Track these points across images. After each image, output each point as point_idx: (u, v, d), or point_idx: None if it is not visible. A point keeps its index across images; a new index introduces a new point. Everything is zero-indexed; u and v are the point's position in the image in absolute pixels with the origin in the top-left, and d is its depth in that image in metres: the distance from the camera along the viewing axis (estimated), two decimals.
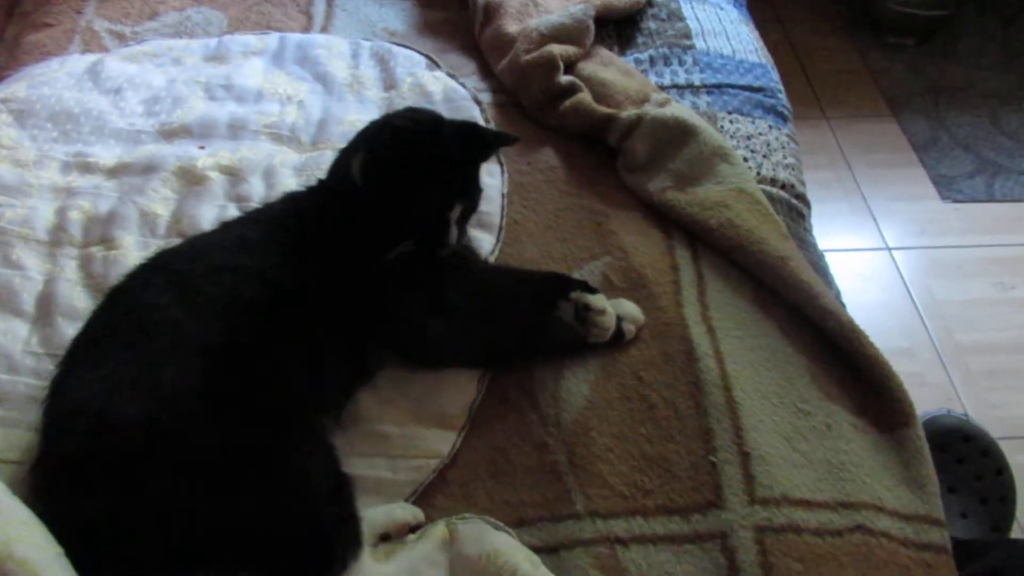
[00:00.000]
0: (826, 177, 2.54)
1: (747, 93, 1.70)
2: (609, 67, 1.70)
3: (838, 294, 1.41)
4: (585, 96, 1.59)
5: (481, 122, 1.60)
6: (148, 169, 1.48)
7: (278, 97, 1.65)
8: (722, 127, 1.61)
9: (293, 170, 1.49)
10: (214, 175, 1.48)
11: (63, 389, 1.04)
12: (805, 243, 1.48)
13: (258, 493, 0.96)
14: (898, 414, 1.22)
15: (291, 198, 1.28)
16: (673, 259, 1.38)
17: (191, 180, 1.47)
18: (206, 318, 1.06)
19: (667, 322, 1.28)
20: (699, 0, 1.92)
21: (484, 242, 1.39)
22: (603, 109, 1.56)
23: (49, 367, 1.15)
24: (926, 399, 1.64)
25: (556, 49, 1.64)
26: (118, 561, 0.93)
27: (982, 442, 1.61)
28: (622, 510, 1.11)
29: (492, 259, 1.38)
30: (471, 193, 1.24)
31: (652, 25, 1.85)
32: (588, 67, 1.68)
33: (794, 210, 1.53)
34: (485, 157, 1.29)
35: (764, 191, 1.47)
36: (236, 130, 1.58)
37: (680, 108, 1.57)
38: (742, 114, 1.66)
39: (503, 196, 1.47)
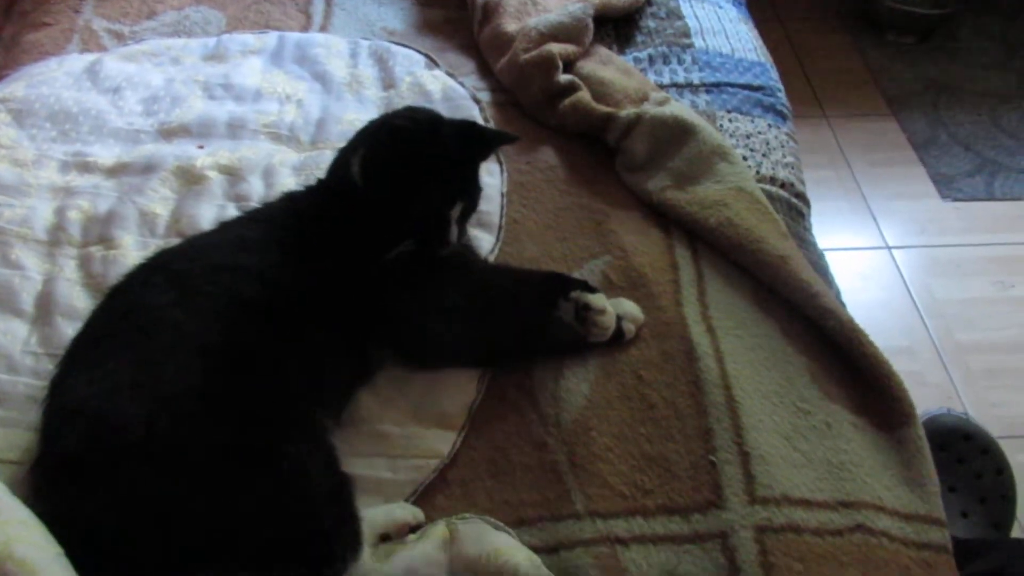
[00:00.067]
0: (826, 176, 2.54)
1: (746, 92, 1.70)
2: (608, 66, 1.70)
3: (838, 293, 1.41)
4: (584, 95, 1.59)
5: (480, 121, 1.60)
6: (147, 169, 1.48)
7: (277, 96, 1.64)
8: (721, 126, 1.61)
9: (292, 169, 1.49)
10: (213, 175, 1.47)
11: (62, 389, 1.04)
12: (805, 242, 1.48)
13: (258, 493, 0.96)
14: (898, 413, 1.22)
15: (290, 198, 1.28)
16: (673, 258, 1.38)
17: (190, 180, 1.47)
18: (205, 318, 1.06)
19: (667, 321, 1.28)
20: None
21: (484, 241, 1.39)
22: (602, 108, 1.56)
23: (48, 367, 1.15)
24: (926, 398, 1.64)
25: (555, 48, 1.64)
26: (118, 561, 0.93)
27: (982, 441, 1.61)
28: (622, 510, 1.11)
29: (492, 258, 1.38)
30: (471, 192, 1.24)
31: (651, 24, 1.85)
32: (587, 66, 1.68)
33: (794, 209, 1.53)
34: (484, 156, 1.28)
35: (763, 190, 1.47)
36: (235, 129, 1.57)
37: (679, 107, 1.56)
38: (741, 113, 1.66)
39: (502, 195, 1.47)
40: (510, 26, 1.72)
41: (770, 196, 1.48)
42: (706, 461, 1.14)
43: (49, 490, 0.99)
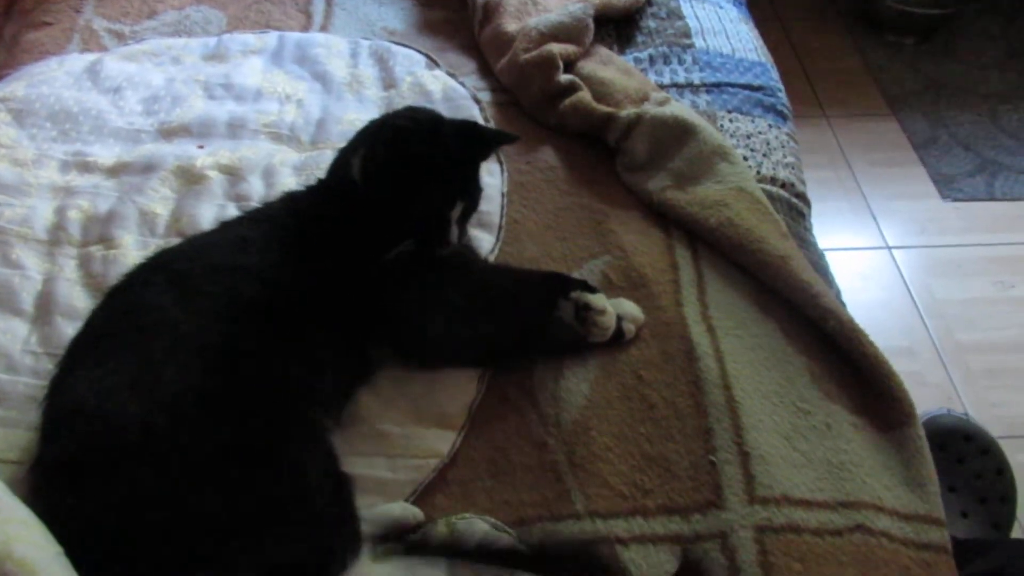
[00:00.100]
0: (826, 176, 2.54)
1: (747, 92, 1.70)
2: (609, 66, 1.70)
3: (838, 293, 1.41)
4: (584, 95, 1.59)
5: (480, 121, 1.60)
6: (147, 168, 1.48)
7: (277, 96, 1.64)
8: (722, 126, 1.61)
9: (292, 169, 1.49)
10: (213, 174, 1.47)
11: (62, 388, 1.04)
12: (805, 242, 1.48)
13: (257, 493, 0.96)
14: (898, 413, 1.22)
15: (291, 197, 1.28)
16: (673, 258, 1.38)
17: (190, 179, 1.47)
18: (205, 318, 1.06)
19: (667, 321, 1.28)
20: None
21: (484, 241, 1.39)
22: (603, 108, 1.56)
23: (48, 366, 1.15)
24: (926, 398, 1.64)
25: (555, 48, 1.64)
26: (117, 561, 0.92)
27: (982, 441, 1.61)
28: (622, 510, 1.11)
29: (492, 258, 1.38)
30: (471, 192, 1.24)
31: (651, 24, 1.85)
32: (587, 66, 1.68)
33: (794, 209, 1.53)
34: (485, 156, 1.28)
35: (764, 190, 1.47)
36: (235, 129, 1.57)
37: (680, 107, 1.56)
38: (742, 113, 1.66)
39: (503, 195, 1.47)
40: (510, 26, 1.72)
41: (770, 196, 1.48)
42: (706, 461, 1.14)
43: (49, 490, 0.99)
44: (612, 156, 1.56)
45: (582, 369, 1.23)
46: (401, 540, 1.09)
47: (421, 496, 1.14)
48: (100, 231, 1.38)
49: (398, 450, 1.16)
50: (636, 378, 1.22)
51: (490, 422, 1.20)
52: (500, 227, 1.42)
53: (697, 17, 1.86)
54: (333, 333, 1.13)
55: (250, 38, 1.77)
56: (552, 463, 1.15)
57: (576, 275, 1.33)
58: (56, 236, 1.38)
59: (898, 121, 2.72)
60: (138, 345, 1.04)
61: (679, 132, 1.50)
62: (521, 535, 1.09)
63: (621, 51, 1.80)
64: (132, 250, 1.35)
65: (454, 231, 1.19)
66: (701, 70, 1.73)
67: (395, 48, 1.76)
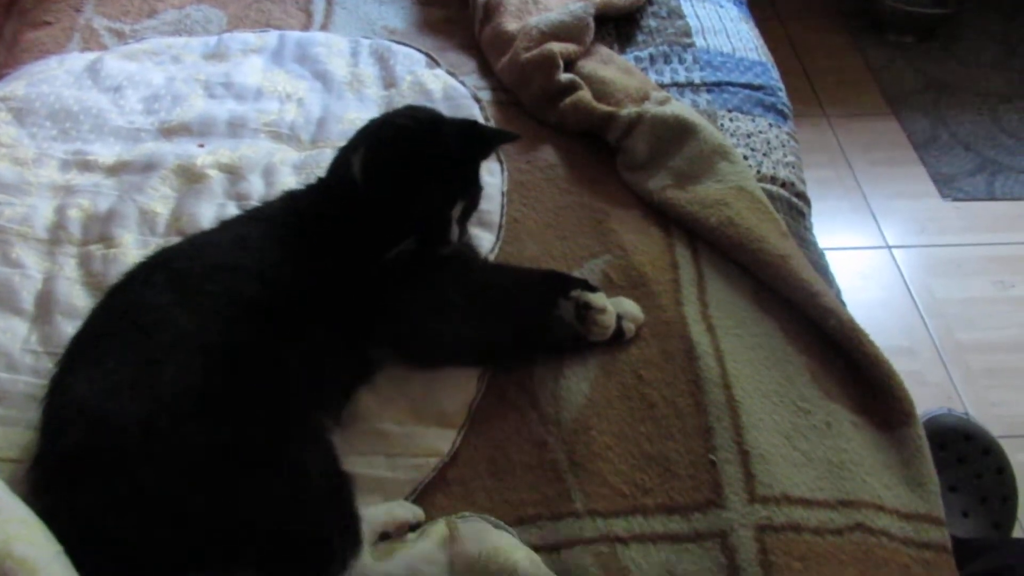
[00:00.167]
0: (826, 175, 2.54)
1: (747, 91, 1.70)
2: (609, 65, 1.70)
3: (838, 292, 1.41)
4: (585, 94, 1.59)
5: (481, 120, 1.60)
6: (147, 167, 1.48)
7: (277, 95, 1.64)
8: (722, 125, 1.61)
9: (293, 168, 1.49)
10: (214, 173, 1.47)
11: (62, 387, 1.04)
12: (805, 241, 1.48)
13: (257, 492, 0.96)
14: (898, 413, 1.22)
15: (291, 196, 1.28)
16: (673, 257, 1.38)
17: (191, 178, 1.47)
18: (206, 317, 1.06)
19: (667, 320, 1.28)
20: None
21: (484, 240, 1.39)
22: (603, 107, 1.56)
23: (48, 365, 1.15)
24: (926, 398, 1.64)
25: (556, 47, 1.64)
26: (117, 560, 0.93)
27: (983, 441, 1.61)
28: (622, 509, 1.11)
29: (492, 257, 1.38)
30: (471, 191, 1.24)
31: (652, 23, 1.85)
32: (588, 65, 1.68)
33: (794, 208, 1.53)
34: (485, 155, 1.28)
35: (764, 189, 1.47)
36: (236, 128, 1.57)
37: (680, 106, 1.56)
38: (742, 112, 1.66)
39: (503, 194, 1.47)
40: (511, 25, 1.72)
41: (771, 195, 1.48)
42: (706, 460, 1.14)
43: (49, 488, 0.99)
44: (612, 155, 1.56)
45: (582, 368, 1.23)
46: (401, 539, 1.09)
47: (421, 495, 1.14)
48: (100, 230, 1.38)
49: (398, 449, 1.16)
50: (636, 377, 1.22)
51: (490, 421, 1.20)
52: (500, 226, 1.42)
53: (698, 16, 1.86)
54: (333, 332, 1.13)
55: (250, 37, 1.77)
56: (552, 462, 1.15)
57: (576, 274, 1.33)
58: (56, 235, 1.38)
59: (898, 120, 2.72)
60: (138, 344, 1.04)
61: (679, 131, 1.50)
62: (521, 534, 1.09)
63: (622, 50, 1.80)
64: (132, 249, 1.35)
65: (454, 230, 1.19)
66: (702, 69, 1.73)
67: (395, 47, 1.76)
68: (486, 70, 1.74)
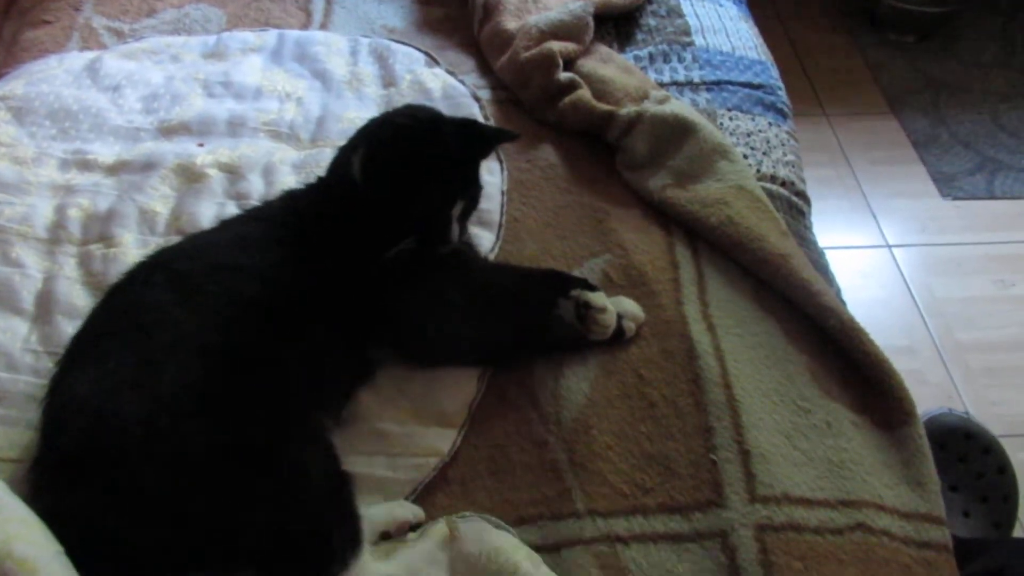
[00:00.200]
0: (826, 174, 2.54)
1: (747, 90, 1.70)
2: (609, 64, 1.69)
3: (838, 292, 1.41)
4: (584, 93, 1.58)
5: (480, 119, 1.59)
6: (147, 166, 1.48)
7: (277, 94, 1.64)
8: (722, 124, 1.61)
9: (292, 167, 1.49)
10: (213, 172, 1.47)
11: (62, 387, 1.04)
12: (805, 240, 1.48)
13: (257, 492, 0.96)
14: (898, 412, 1.22)
15: (291, 196, 1.28)
16: (673, 257, 1.38)
17: (190, 177, 1.47)
18: (206, 317, 1.06)
19: (667, 320, 1.28)
20: None
21: (484, 240, 1.39)
22: (602, 106, 1.56)
23: (48, 365, 1.15)
24: (926, 397, 1.64)
25: (555, 46, 1.64)
26: (117, 559, 0.92)
27: (984, 440, 1.61)
28: (622, 508, 1.11)
29: (492, 257, 1.38)
30: (471, 190, 1.24)
31: (652, 22, 1.85)
32: (587, 64, 1.68)
33: (794, 207, 1.53)
34: (485, 154, 1.28)
35: (764, 188, 1.47)
36: (235, 127, 1.57)
37: (680, 105, 1.56)
38: (742, 111, 1.66)
39: (503, 193, 1.47)
40: (510, 24, 1.72)
41: (770, 194, 1.47)
42: (706, 459, 1.14)
43: (49, 488, 0.99)
44: (612, 154, 1.56)
45: (582, 368, 1.23)
46: (402, 539, 1.09)
47: (421, 495, 1.14)
48: (100, 229, 1.38)
49: (398, 449, 1.16)
50: (636, 376, 1.22)
51: (490, 421, 1.20)
52: (500, 225, 1.42)
53: (697, 15, 1.86)
54: (333, 332, 1.13)
55: (250, 36, 1.77)
56: (552, 462, 1.15)
57: (576, 273, 1.33)
58: (56, 234, 1.38)
59: (898, 119, 2.72)
60: (138, 344, 1.04)
61: (679, 130, 1.50)
62: (522, 534, 1.09)
63: (621, 49, 1.80)
64: (132, 248, 1.35)
65: (454, 229, 1.19)
66: (701, 68, 1.73)
67: (395, 46, 1.76)
68: (485, 69, 1.74)
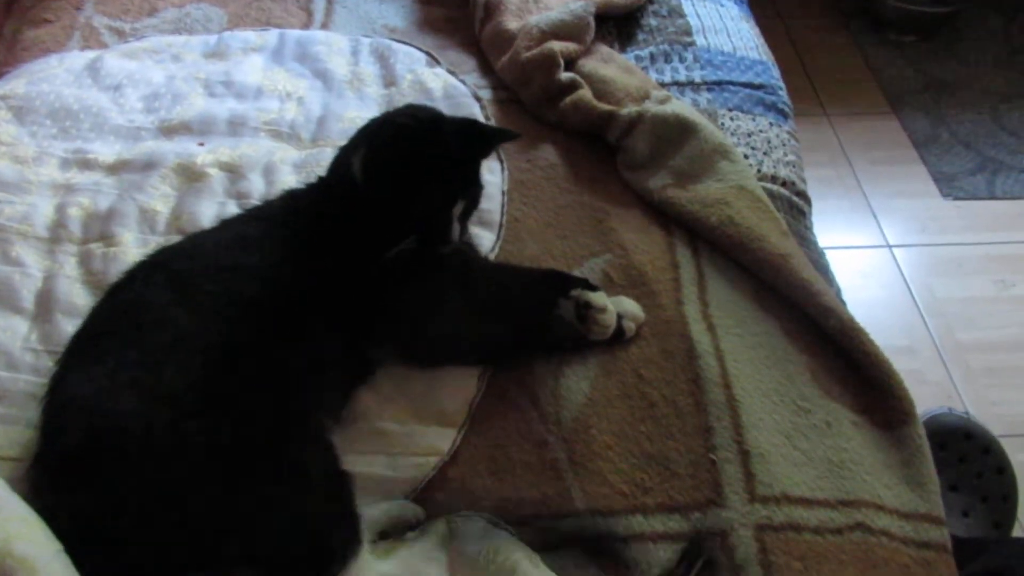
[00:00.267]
0: (827, 174, 2.54)
1: (748, 90, 1.70)
2: (610, 64, 1.69)
3: (838, 292, 1.41)
4: (585, 93, 1.58)
5: (481, 119, 1.59)
6: (148, 166, 1.48)
7: (278, 94, 1.64)
8: (723, 124, 1.61)
9: (293, 167, 1.49)
10: (214, 172, 1.47)
11: (62, 386, 1.04)
12: (806, 240, 1.48)
13: (257, 491, 0.96)
14: (898, 412, 1.22)
15: (291, 195, 1.28)
16: (674, 257, 1.38)
17: (191, 177, 1.47)
18: (206, 316, 1.06)
19: (667, 320, 1.28)
20: None
21: (484, 239, 1.39)
22: (603, 106, 1.56)
23: (48, 364, 1.15)
24: (926, 397, 1.64)
25: (556, 46, 1.64)
26: (117, 558, 0.93)
27: (983, 440, 1.61)
28: (622, 508, 1.11)
29: (492, 256, 1.38)
30: (472, 190, 1.24)
31: (653, 22, 1.85)
32: (588, 64, 1.68)
33: (795, 207, 1.53)
34: (486, 154, 1.28)
35: (765, 188, 1.47)
36: (236, 127, 1.57)
37: (681, 105, 1.56)
38: (743, 111, 1.66)
39: (503, 193, 1.47)
40: (511, 24, 1.72)
41: (771, 194, 1.48)
42: (706, 459, 1.14)
43: (49, 487, 0.99)
44: (613, 154, 1.56)
45: (582, 367, 1.23)
46: (401, 538, 1.09)
47: (421, 494, 1.14)
48: (100, 228, 1.38)
49: (398, 448, 1.16)
50: (636, 376, 1.22)
51: (490, 420, 1.20)
52: (501, 225, 1.42)
53: (698, 15, 1.86)
54: (334, 332, 1.13)
55: (251, 36, 1.77)
56: (552, 461, 1.15)
57: (577, 273, 1.33)
58: (56, 233, 1.38)
59: (899, 119, 2.72)
60: (138, 343, 1.04)
61: (680, 130, 1.50)
62: (521, 533, 1.09)
63: (622, 49, 1.80)
64: (132, 248, 1.35)
65: (455, 229, 1.19)
66: (702, 68, 1.73)
67: (396, 46, 1.76)
68: (486, 69, 1.74)
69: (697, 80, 1.71)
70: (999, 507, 1.56)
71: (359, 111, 1.59)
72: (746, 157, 1.53)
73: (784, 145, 1.61)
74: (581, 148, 1.58)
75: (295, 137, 1.57)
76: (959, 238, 2.38)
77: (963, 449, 1.60)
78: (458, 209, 1.19)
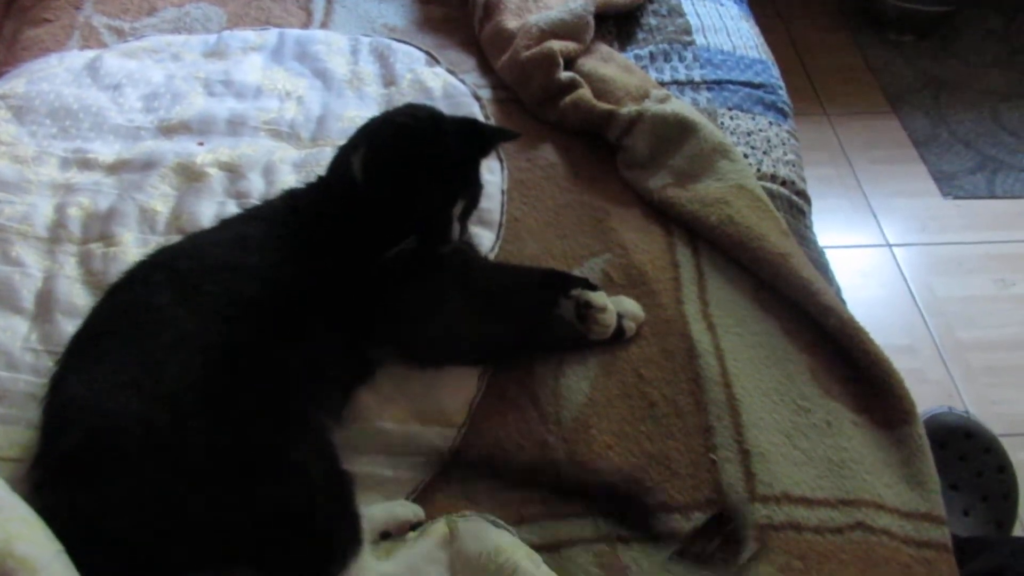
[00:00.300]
0: (827, 173, 2.54)
1: (747, 89, 1.70)
2: (609, 63, 1.69)
3: (838, 291, 1.41)
4: (585, 92, 1.58)
5: (481, 118, 1.59)
6: (147, 165, 1.48)
7: (277, 93, 1.64)
8: (722, 123, 1.61)
9: (292, 166, 1.49)
10: (213, 171, 1.47)
11: (63, 386, 1.04)
12: (805, 240, 1.48)
13: (258, 491, 0.96)
14: (899, 411, 1.22)
15: (291, 195, 1.28)
16: (673, 256, 1.38)
17: (190, 176, 1.47)
18: (206, 316, 1.06)
19: (667, 319, 1.28)
20: None
21: (484, 239, 1.39)
22: (603, 105, 1.56)
23: (48, 364, 1.15)
24: (926, 396, 1.64)
25: (556, 45, 1.64)
26: (117, 560, 0.93)
27: (984, 439, 1.61)
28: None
29: (492, 256, 1.37)
30: (472, 190, 1.24)
31: (652, 21, 1.85)
32: (588, 63, 1.68)
33: (794, 207, 1.53)
34: (485, 153, 1.28)
35: (764, 188, 1.47)
36: (235, 126, 1.57)
37: (680, 104, 1.56)
38: (742, 110, 1.66)
39: (503, 193, 1.47)
40: (511, 23, 1.72)
41: (771, 194, 1.48)
42: (706, 459, 1.14)
43: (49, 487, 0.99)
44: (613, 153, 1.56)
45: (582, 367, 1.23)
46: (402, 538, 1.09)
47: (421, 494, 1.14)
48: (100, 228, 1.38)
49: (399, 448, 1.16)
50: (636, 376, 1.22)
51: (490, 420, 1.20)
52: (500, 225, 1.42)
53: (698, 14, 1.86)
54: (334, 332, 1.13)
55: (250, 35, 1.77)
56: (552, 461, 1.15)
57: (577, 273, 1.33)
58: (56, 233, 1.38)
59: (899, 118, 2.72)
60: (139, 343, 1.04)
61: (680, 129, 1.50)
62: (521, 533, 1.09)
63: (622, 48, 1.80)
64: (132, 248, 1.35)
65: (455, 229, 1.19)
66: (702, 67, 1.73)
67: (395, 45, 1.76)
68: (486, 68, 1.74)
69: (697, 79, 1.71)
70: (1000, 506, 1.56)
71: (359, 110, 1.59)
72: (746, 156, 1.53)
73: (784, 144, 1.61)
74: (581, 147, 1.57)
75: (295, 136, 1.57)
76: (959, 237, 2.38)
77: (963, 448, 1.60)
78: (458, 209, 1.18)
